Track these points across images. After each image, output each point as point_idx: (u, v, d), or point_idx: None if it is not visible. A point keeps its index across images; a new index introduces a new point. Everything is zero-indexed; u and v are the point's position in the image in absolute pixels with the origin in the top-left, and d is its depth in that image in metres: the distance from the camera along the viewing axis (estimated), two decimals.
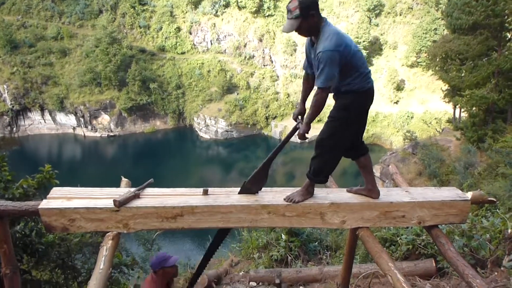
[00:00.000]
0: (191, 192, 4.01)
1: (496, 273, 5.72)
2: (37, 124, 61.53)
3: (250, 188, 4.00)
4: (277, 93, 61.41)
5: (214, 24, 64.92)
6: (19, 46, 60.53)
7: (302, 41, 61.22)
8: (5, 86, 57.46)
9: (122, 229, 3.68)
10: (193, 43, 66.14)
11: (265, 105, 59.86)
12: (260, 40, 62.99)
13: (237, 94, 61.43)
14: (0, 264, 3.95)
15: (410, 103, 56.76)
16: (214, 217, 3.75)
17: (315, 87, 3.69)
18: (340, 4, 63.71)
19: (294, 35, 61.32)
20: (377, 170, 31.22)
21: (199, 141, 61.41)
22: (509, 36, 26.38)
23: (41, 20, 65.03)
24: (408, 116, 54.61)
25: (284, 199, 3.87)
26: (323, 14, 61.71)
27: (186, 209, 3.69)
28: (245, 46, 64.05)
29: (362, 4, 61.55)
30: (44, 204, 3.61)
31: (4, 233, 3.70)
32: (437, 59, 32.69)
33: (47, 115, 61.22)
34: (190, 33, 66.10)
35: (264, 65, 63.72)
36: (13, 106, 58.17)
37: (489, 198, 4.06)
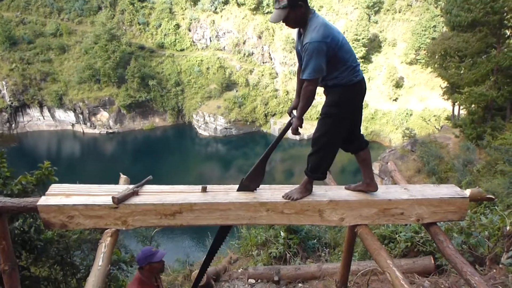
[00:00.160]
0: (189, 189, 4.00)
1: (494, 271, 5.73)
2: (36, 120, 61.47)
3: (248, 185, 3.99)
4: (276, 90, 61.37)
5: (213, 21, 64.83)
6: (18, 42, 60.41)
7: None
8: (4, 83, 57.37)
9: (121, 226, 3.68)
10: (192, 40, 66.05)
11: (264, 102, 59.84)
12: (259, 37, 62.91)
13: (236, 91, 61.40)
14: None
15: (409, 100, 56.75)
16: (213, 214, 3.75)
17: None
18: (339, 1, 63.62)
19: (294, 32, 61.11)
20: (376, 168, 31.24)
21: (198, 138, 61.39)
22: (508, 33, 26.36)
23: (40, 17, 64.89)
24: (407, 114, 54.61)
25: (283, 197, 3.87)
26: (322, 11, 61.83)
27: (185, 206, 3.69)
28: (244, 43, 63.97)
29: (361, 1, 61.47)
30: (43, 200, 3.60)
31: (2, 230, 3.70)
32: (436, 56, 32.65)
33: (46, 112, 61.15)
34: (189, 30, 66.00)
35: (263, 62, 63.66)
36: (12, 103, 58.11)
37: (488, 196, 4.06)
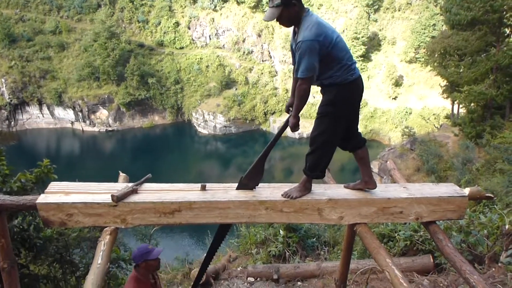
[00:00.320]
0: (189, 188, 4.00)
1: (493, 269, 5.74)
2: (35, 118, 61.47)
3: (247, 183, 3.99)
4: (276, 88, 61.37)
5: (213, 19, 64.78)
6: (17, 40, 60.38)
7: None
8: (3, 80, 57.33)
9: (120, 224, 3.68)
10: (192, 38, 66.01)
11: (263, 101, 59.84)
12: (259, 35, 62.88)
13: (236, 89, 61.39)
14: None
15: (409, 99, 56.76)
16: (212, 212, 3.75)
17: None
18: None
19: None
20: (375, 166, 31.27)
21: (198, 136, 61.39)
22: (508, 32, 26.38)
23: (39, 14, 64.82)
24: (406, 112, 54.63)
25: (282, 195, 3.86)
26: (322, 9, 61.83)
27: (184, 205, 3.69)
28: (243, 41, 63.94)
29: (361, 0, 61.46)
30: (42, 198, 3.60)
31: (2, 227, 3.70)
32: (436, 55, 32.66)
33: (45, 110, 61.14)
34: (189, 28, 65.95)
35: (262, 61, 63.64)
36: (11, 100, 58.09)
37: (487, 194, 4.06)
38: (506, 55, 23.38)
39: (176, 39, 65.20)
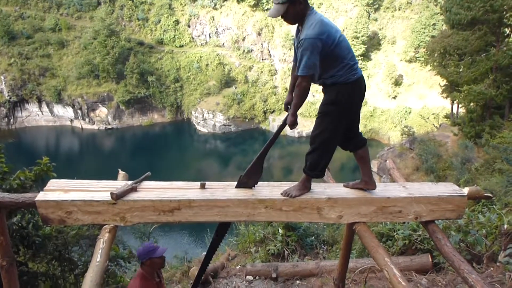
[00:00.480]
0: (188, 186, 4.00)
1: (492, 269, 5.74)
2: (35, 116, 61.44)
3: (247, 182, 3.99)
4: (275, 87, 61.38)
5: (213, 17, 64.74)
6: (16, 37, 60.31)
7: None
8: (2, 77, 57.29)
9: (119, 222, 3.68)
10: (192, 36, 65.98)
11: (263, 99, 59.83)
12: (259, 34, 62.86)
13: (235, 88, 61.38)
14: None
15: (408, 98, 56.79)
16: (211, 211, 3.75)
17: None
18: None
19: (293, 29, 61.17)
20: (374, 165, 31.29)
21: (197, 134, 61.39)
22: (508, 32, 26.41)
23: (39, 11, 64.73)
24: (406, 111, 54.67)
25: (281, 194, 3.86)
26: (322, 8, 61.81)
27: (183, 203, 3.69)
28: (243, 39, 63.92)
29: None
30: (41, 196, 3.60)
31: (1, 225, 3.70)
32: (436, 54, 32.68)
33: (44, 107, 61.10)
34: (189, 26, 65.92)
35: (262, 59, 63.63)
36: (10, 98, 58.06)
37: (486, 194, 4.07)
38: (506, 55, 23.42)
39: (176, 37, 65.15)
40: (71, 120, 61.88)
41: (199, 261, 9.45)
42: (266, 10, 62.87)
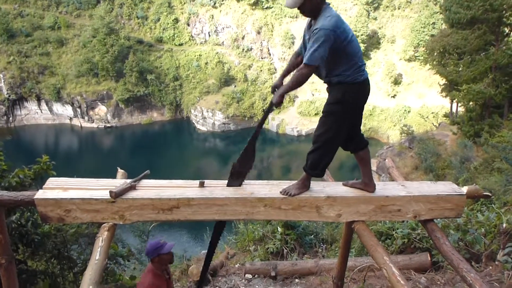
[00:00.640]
0: (187, 184, 4.00)
1: (490, 267, 5.76)
2: (34, 114, 61.36)
3: (241, 170, 4.00)
4: None
5: (212, 15, 64.67)
6: (15, 35, 60.19)
7: (300, 34, 61.11)
8: (1, 76, 57.21)
9: (118, 220, 3.68)
10: (191, 35, 65.90)
11: (262, 98, 59.75)
12: (258, 33, 62.80)
13: (235, 86, 61.33)
14: None
15: (407, 97, 56.81)
16: (210, 209, 3.75)
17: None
18: None
19: (293, 28, 61.30)
20: (373, 164, 31.28)
21: (196, 133, 61.36)
22: (507, 31, 26.43)
23: (38, 9, 64.63)
24: (405, 110, 54.69)
25: (281, 192, 3.87)
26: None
27: (183, 201, 3.69)
28: (243, 38, 63.87)
29: None
30: (40, 194, 3.60)
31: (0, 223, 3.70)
32: (435, 54, 32.72)
33: (43, 105, 61.03)
34: (188, 25, 65.85)
35: (262, 58, 63.58)
36: (9, 96, 57.98)
37: (485, 193, 4.07)
38: (505, 54, 23.43)
39: (175, 35, 65.08)
40: (70, 119, 61.80)
41: (198, 260, 9.46)
42: (266, 8, 62.87)
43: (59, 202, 3.56)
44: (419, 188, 4.09)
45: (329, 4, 3.63)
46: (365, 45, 58.45)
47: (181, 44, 65.24)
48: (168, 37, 64.90)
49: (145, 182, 4.02)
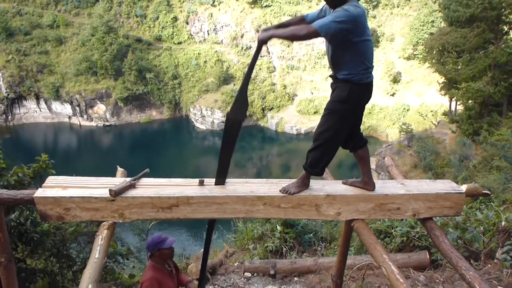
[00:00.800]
0: (187, 183, 4.00)
1: (489, 265, 5.77)
2: (33, 112, 61.30)
3: (235, 118, 3.92)
4: (274, 84, 61.31)
5: (211, 14, 64.62)
6: (14, 33, 60.11)
7: None
8: (0, 74, 57.12)
9: (118, 219, 3.68)
10: (190, 33, 65.86)
11: (261, 96, 59.75)
12: (257, 31, 62.65)
13: (234, 85, 61.29)
14: None
15: (406, 95, 56.81)
16: (210, 207, 3.76)
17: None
18: None
19: None
20: (372, 162, 31.28)
21: (195, 131, 61.33)
22: (506, 29, 26.42)
23: (36, 8, 64.56)
24: (404, 109, 54.69)
25: (280, 191, 3.87)
26: (321, 4, 62.19)
27: (182, 200, 3.69)
28: (242, 36, 63.82)
29: None
30: (40, 192, 3.60)
31: None
32: (434, 52, 32.73)
33: (42, 104, 60.97)
34: (187, 23, 65.81)
35: (261, 56, 63.41)
36: (8, 94, 57.90)
37: (484, 191, 4.08)
38: (504, 52, 23.43)
39: (174, 34, 65.04)
40: (69, 117, 61.74)
41: (197, 258, 9.47)
42: (265, 7, 62.80)
43: (58, 201, 3.56)
44: (418, 187, 4.10)
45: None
46: None
47: (180, 43, 65.19)
48: (167, 36, 64.86)
49: (144, 180, 4.03)
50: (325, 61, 60.02)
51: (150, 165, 5.82)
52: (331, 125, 3.78)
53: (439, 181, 4.31)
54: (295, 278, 7.46)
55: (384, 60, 59.19)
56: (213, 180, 4.07)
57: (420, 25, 57.43)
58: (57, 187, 3.72)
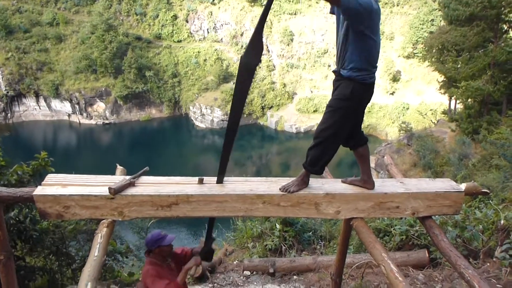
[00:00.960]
0: (186, 181, 4.00)
1: (488, 264, 5.77)
2: (32, 110, 61.30)
3: (249, 61, 3.60)
4: (273, 83, 61.31)
5: (211, 12, 64.59)
6: (14, 31, 60.07)
7: (298, 31, 61.13)
8: None
9: (117, 217, 3.68)
10: (190, 32, 65.85)
11: (261, 95, 59.75)
12: None
13: (233, 83, 61.16)
14: None
15: (406, 94, 56.83)
16: (209, 206, 3.75)
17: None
18: None
19: (292, 25, 61.22)
20: (372, 161, 31.24)
21: (195, 130, 61.34)
22: (505, 28, 26.39)
23: (36, 5, 64.51)
24: (403, 107, 54.71)
25: (280, 189, 3.87)
26: (321, 3, 61.32)
27: (182, 198, 3.69)
28: (241, 35, 63.80)
29: None
30: (39, 190, 3.60)
31: None
32: (434, 50, 32.68)
33: (42, 102, 60.96)
34: (187, 21, 65.79)
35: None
36: (7, 92, 57.88)
37: (483, 190, 4.08)
38: (504, 51, 23.41)
39: (174, 32, 65.03)
40: (69, 115, 61.75)
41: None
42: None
43: (58, 199, 3.56)
44: (418, 185, 4.10)
45: None
46: None
47: (179, 41, 65.19)
48: (166, 34, 64.85)
49: (144, 178, 4.02)
50: (325, 59, 60.16)
51: (149, 163, 5.83)
52: (332, 123, 3.77)
53: (438, 179, 4.31)
54: (294, 277, 7.46)
55: (384, 58, 59.12)
56: (213, 178, 4.07)
57: (420, 24, 57.42)
58: (57, 185, 3.72)
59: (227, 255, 9.42)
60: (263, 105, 59.91)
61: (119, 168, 4.66)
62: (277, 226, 8.90)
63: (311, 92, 58.15)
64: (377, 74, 3.85)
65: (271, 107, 60.01)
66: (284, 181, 4.03)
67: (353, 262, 7.00)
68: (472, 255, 6.17)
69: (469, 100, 26.98)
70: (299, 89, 59.78)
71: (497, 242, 5.88)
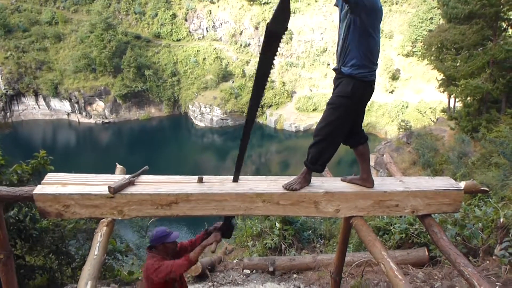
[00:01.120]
0: (186, 180, 4.01)
1: (488, 262, 5.78)
2: (31, 109, 61.26)
3: (276, 29, 3.02)
4: (273, 81, 61.25)
5: (210, 11, 64.54)
6: (13, 30, 60.03)
7: (297, 30, 61.12)
8: None
9: (117, 216, 3.68)
10: (189, 30, 65.79)
11: None
12: (256, 28, 62.68)
13: (233, 82, 61.28)
14: None
15: (405, 92, 56.82)
16: (209, 205, 3.75)
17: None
18: None
19: (291, 23, 61.08)
20: (371, 159, 31.24)
21: (194, 129, 61.33)
22: (504, 26, 26.37)
23: (35, 5, 64.44)
24: (403, 106, 54.69)
25: (283, 187, 3.86)
26: (320, 2, 61.26)
27: (181, 197, 3.69)
28: (241, 34, 63.77)
29: None
30: (39, 189, 3.60)
31: None
32: (433, 49, 32.65)
33: (41, 101, 60.92)
34: (186, 20, 65.72)
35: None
36: (6, 91, 57.84)
37: (482, 188, 4.08)
38: (503, 49, 23.38)
39: (173, 31, 64.98)
40: (68, 114, 61.72)
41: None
42: (263, 4, 62.69)
43: (57, 197, 3.56)
44: (417, 184, 4.10)
45: None
46: None
47: (179, 40, 65.13)
48: (165, 33, 64.80)
49: (143, 177, 4.03)
50: (324, 58, 60.12)
51: (149, 162, 5.83)
52: (332, 120, 3.77)
53: (437, 178, 4.31)
54: (294, 275, 7.47)
55: (383, 57, 59.08)
56: (212, 177, 4.07)
57: (419, 22, 57.40)
58: (56, 184, 3.72)
59: (226, 254, 9.42)
60: (262, 104, 59.64)
61: (119, 167, 4.66)
62: (277, 224, 8.91)
63: (310, 90, 58.13)
64: (376, 72, 3.84)
65: (270, 105, 59.98)
66: (284, 179, 4.03)
67: (353, 261, 7.01)
68: (472, 253, 6.18)
69: (468, 98, 26.96)
70: (298, 88, 59.77)
71: (497, 240, 5.88)
